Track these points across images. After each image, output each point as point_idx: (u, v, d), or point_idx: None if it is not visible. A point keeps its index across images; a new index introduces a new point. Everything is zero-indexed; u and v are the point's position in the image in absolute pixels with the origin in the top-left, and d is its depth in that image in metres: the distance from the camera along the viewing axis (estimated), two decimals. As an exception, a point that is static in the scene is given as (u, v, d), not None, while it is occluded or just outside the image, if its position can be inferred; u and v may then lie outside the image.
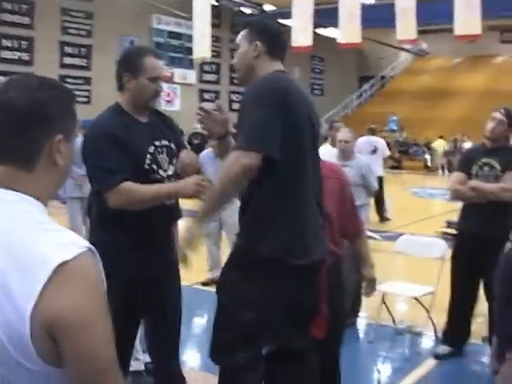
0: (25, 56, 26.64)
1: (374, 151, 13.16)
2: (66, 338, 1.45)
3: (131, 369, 4.75)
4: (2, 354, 1.46)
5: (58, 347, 1.46)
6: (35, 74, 1.70)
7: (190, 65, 30.83)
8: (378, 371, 5.53)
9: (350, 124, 36.03)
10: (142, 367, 4.85)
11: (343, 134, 7.45)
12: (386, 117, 32.72)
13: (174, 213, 3.58)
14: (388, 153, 14.35)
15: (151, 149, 3.34)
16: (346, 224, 3.92)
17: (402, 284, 6.50)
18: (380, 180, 12.94)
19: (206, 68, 33.74)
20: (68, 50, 28.09)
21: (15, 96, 1.57)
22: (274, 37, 3.21)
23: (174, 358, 3.78)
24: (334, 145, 7.66)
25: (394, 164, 28.73)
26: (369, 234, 7.63)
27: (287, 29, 14.96)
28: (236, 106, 34.69)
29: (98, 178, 3.25)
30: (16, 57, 26.32)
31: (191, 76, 32.54)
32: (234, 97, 35.30)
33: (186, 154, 3.50)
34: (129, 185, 3.17)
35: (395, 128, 32.84)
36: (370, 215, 7.97)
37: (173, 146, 3.46)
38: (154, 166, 3.33)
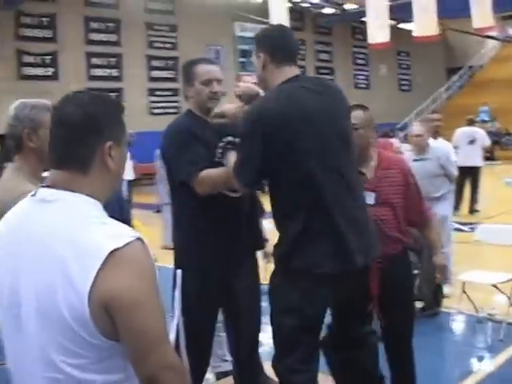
0: (114, 72, 27.57)
1: (473, 141, 13.39)
2: (119, 316, 1.67)
3: (220, 370, 5.00)
4: (69, 331, 1.69)
5: (113, 324, 1.69)
6: (88, 91, 1.96)
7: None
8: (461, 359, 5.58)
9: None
10: (231, 368, 5.04)
11: (416, 128, 7.58)
12: (477, 108, 31.97)
13: (255, 209, 3.79)
14: (489, 142, 14.32)
15: (221, 144, 3.58)
16: (412, 212, 4.02)
17: (483, 272, 6.50)
18: (477, 170, 12.91)
19: (291, 71, 33.99)
20: (155, 63, 28.87)
21: (71, 111, 1.83)
22: (274, 43, 3.19)
23: (254, 351, 3.99)
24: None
25: (487, 155, 28.06)
26: (456, 226, 7.66)
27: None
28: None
29: (182, 170, 3.46)
30: (106, 74, 27.28)
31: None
32: (320, 98, 35.41)
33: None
34: (207, 171, 3.40)
35: (487, 118, 32.07)
36: (453, 203, 7.93)
37: (237, 140, 3.66)
38: (224, 160, 3.56)
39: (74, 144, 1.82)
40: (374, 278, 3.38)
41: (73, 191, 1.80)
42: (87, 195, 1.81)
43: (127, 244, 1.69)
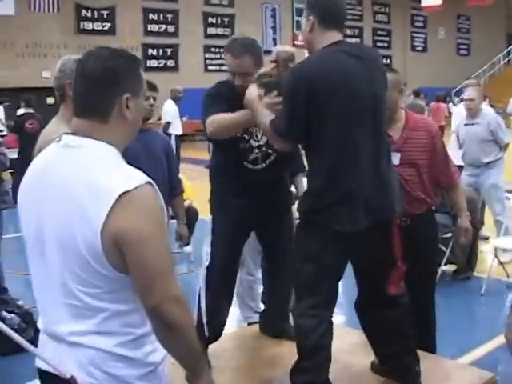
0: (170, 28, 27.76)
1: None
2: (126, 250, 1.87)
3: (251, 320, 5.24)
4: (84, 263, 1.90)
5: (123, 258, 1.89)
6: (109, 47, 2.14)
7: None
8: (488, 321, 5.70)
9: (497, 84, 34.60)
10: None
11: (468, 92, 7.65)
12: (537, 75, 31.34)
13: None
14: None
15: None
16: (438, 174, 4.12)
17: (515, 238, 6.58)
18: None
19: (349, 32, 33.61)
20: (211, 20, 28.95)
21: (91, 65, 2.02)
22: (325, 8, 3.25)
23: (285, 301, 4.18)
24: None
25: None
26: (506, 195, 7.68)
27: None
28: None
29: (203, 114, 3.62)
30: (162, 29, 27.50)
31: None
32: (377, 60, 35.08)
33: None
34: (216, 115, 3.54)
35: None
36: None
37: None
38: (246, 136, 3.72)
39: (95, 95, 2.00)
40: (397, 238, 3.49)
41: (93, 138, 1.99)
42: (106, 142, 1.99)
43: (137, 187, 1.87)
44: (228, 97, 3.64)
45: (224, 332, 4.01)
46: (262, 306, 5.14)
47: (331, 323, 3.29)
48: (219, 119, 3.52)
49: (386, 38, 36.09)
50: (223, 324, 3.99)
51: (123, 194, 1.85)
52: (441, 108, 19.09)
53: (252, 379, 3.68)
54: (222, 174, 3.85)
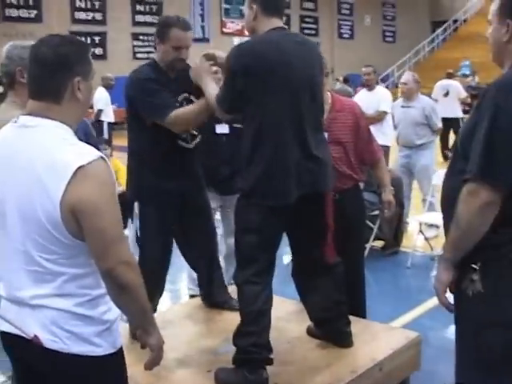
0: (98, 16, 27.51)
1: (447, 94, 13.85)
2: (83, 218, 2.06)
3: (192, 293, 5.46)
4: (45, 232, 2.08)
5: (80, 226, 2.07)
6: (60, 34, 2.32)
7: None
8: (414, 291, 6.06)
9: (422, 70, 35.07)
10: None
11: (404, 76, 8.15)
12: (459, 62, 32.22)
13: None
14: (464, 94, 14.60)
15: (179, 98, 3.92)
16: (362, 152, 4.42)
17: (438, 214, 6.94)
18: (456, 121, 13.30)
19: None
20: (139, 7, 28.78)
21: (44, 51, 2.20)
22: None
23: (213, 270, 4.42)
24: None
25: (466, 108, 28.42)
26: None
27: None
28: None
29: (155, 112, 3.78)
30: (90, 17, 27.23)
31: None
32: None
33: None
34: (178, 110, 3.77)
35: (467, 73, 32.30)
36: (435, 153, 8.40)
37: (192, 98, 3.97)
38: None
39: (48, 79, 2.19)
40: (330, 210, 3.75)
41: (48, 118, 2.17)
42: (60, 121, 2.18)
43: (91, 162, 2.07)
44: (159, 79, 3.84)
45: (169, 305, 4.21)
46: None
47: (271, 290, 3.53)
48: (184, 116, 3.74)
49: (314, 26, 36.50)
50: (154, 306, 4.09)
51: (79, 168, 2.04)
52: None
53: (194, 347, 3.90)
54: (152, 155, 3.93)
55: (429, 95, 10.15)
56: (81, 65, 2.23)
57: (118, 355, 2.29)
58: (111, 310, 2.24)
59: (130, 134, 4.08)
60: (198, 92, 3.83)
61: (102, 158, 2.12)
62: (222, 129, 4.46)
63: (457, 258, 2.53)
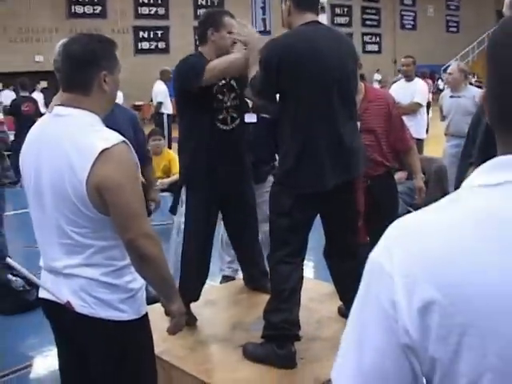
0: (161, 10, 28.02)
1: None
2: (107, 194, 2.30)
3: (224, 273, 5.75)
4: (74, 207, 2.34)
5: (104, 202, 2.32)
6: (90, 33, 2.59)
7: (320, 8, 31.10)
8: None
9: (486, 61, 34.70)
10: (233, 274, 5.76)
11: (451, 67, 8.18)
12: (525, 51, 31.64)
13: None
14: None
15: (220, 83, 4.16)
16: (395, 140, 4.58)
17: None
18: None
19: (338, 11, 33.90)
20: (201, 1, 29.19)
21: (74, 48, 2.48)
22: None
23: (256, 255, 4.65)
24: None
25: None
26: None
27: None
28: (369, 47, 34.69)
29: (194, 73, 3.94)
30: (153, 12, 27.77)
31: (322, 19, 32.84)
32: (367, 38, 35.38)
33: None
34: (211, 62, 3.96)
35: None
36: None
37: (232, 82, 4.22)
38: (220, 96, 4.13)
39: (78, 73, 2.45)
40: (360, 195, 3.92)
41: (78, 108, 2.43)
42: (89, 111, 2.44)
43: (114, 145, 2.32)
44: (204, 64, 4.02)
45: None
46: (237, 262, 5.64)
47: (302, 271, 3.73)
48: (218, 63, 3.93)
49: (376, 17, 36.35)
50: (198, 293, 4.28)
51: (103, 151, 2.29)
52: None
53: (228, 324, 4.14)
54: (194, 139, 4.13)
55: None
56: (107, 60, 2.48)
57: (143, 321, 2.54)
58: (136, 280, 2.49)
59: (180, 123, 4.33)
60: (239, 78, 4.08)
61: (124, 141, 2.37)
62: (251, 118, 4.66)
63: None
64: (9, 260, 2.61)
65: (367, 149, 4.31)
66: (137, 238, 2.33)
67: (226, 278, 5.68)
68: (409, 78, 8.99)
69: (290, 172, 3.56)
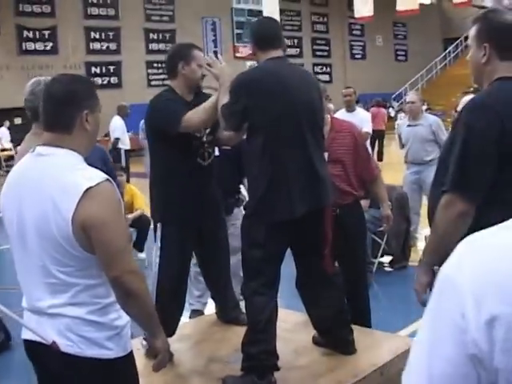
0: (113, 46, 28.07)
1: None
2: (92, 232, 2.31)
3: (194, 307, 5.75)
4: (59, 247, 2.33)
5: (90, 240, 2.32)
6: (69, 74, 2.62)
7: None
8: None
9: (435, 87, 35.08)
10: (202, 308, 5.80)
11: (410, 96, 8.46)
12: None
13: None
14: None
15: None
16: (361, 169, 4.67)
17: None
18: None
19: (288, 42, 34.31)
20: (153, 36, 29.34)
21: (56, 88, 2.51)
22: (257, 35, 3.84)
23: (228, 289, 4.65)
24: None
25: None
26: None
27: None
28: (320, 77, 35.14)
29: (171, 120, 3.98)
30: (104, 47, 27.79)
31: (273, 52, 33.27)
32: (317, 69, 35.87)
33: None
34: (189, 112, 3.96)
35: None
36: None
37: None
38: (197, 134, 4.15)
39: (60, 112, 2.47)
40: (328, 224, 3.97)
41: (61, 147, 2.44)
42: (71, 150, 2.45)
43: (98, 183, 2.33)
44: (176, 101, 4.09)
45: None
46: (206, 296, 5.65)
47: (276, 301, 3.76)
48: (196, 115, 3.94)
49: (326, 47, 36.97)
50: (174, 328, 4.24)
51: (88, 189, 2.30)
52: (381, 113, 19.80)
53: (206, 358, 4.12)
54: (172, 174, 4.14)
55: (443, 112, 10.39)
56: (88, 99, 2.51)
57: (129, 358, 2.53)
58: (121, 317, 2.48)
59: (152, 158, 4.34)
60: None
61: (107, 179, 2.38)
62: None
63: (434, 262, 2.75)
64: (-7, 302, 2.56)
65: (335, 179, 4.38)
66: (122, 274, 2.33)
67: (196, 312, 5.69)
68: (351, 109, 9.15)
69: (261, 201, 3.62)
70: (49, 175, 2.38)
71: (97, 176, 2.37)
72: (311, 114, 3.73)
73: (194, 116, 3.95)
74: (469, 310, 1.04)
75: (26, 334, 2.53)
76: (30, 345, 2.53)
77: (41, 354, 2.49)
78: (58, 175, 2.37)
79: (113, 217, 2.37)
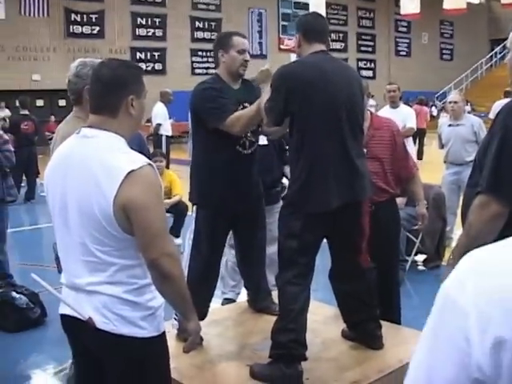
0: (158, 32, 28.25)
1: None
2: (132, 214, 2.38)
3: (226, 296, 5.85)
4: (99, 226, 2.41)
5: (129, 222, 2.40)
6: (119, 59, 2.69)
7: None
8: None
9: (480, 88, 34.59)
10: (235, 298, 5.87)
11: (452, 96, 8.39)
12: (518, 79, 31.94)
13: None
14: None
15: (239, 108, 4.24)
16: (399, 167, 4.68)
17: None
18: None
19: (333, 36, 34.19)
20: (198, 24, 29.46)
21: (104, 72, 2.58)
22: (306, 27, 3.88)
23: (261, 277, 4.73)
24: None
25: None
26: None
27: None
28: (364, 72, 34.97)
29: (212, 117, 4.12)
30: (150, 33, 27.98)
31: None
32: (361, 64, 35.69)
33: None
34: (233, 115, 4.06)
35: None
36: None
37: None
38: None
39: (107, 96, 2.54)
40: (366, 218, 4.01)
41: (105, 130, 2.52)
42: (115, 133, 2.52)
43: (140, 167, 2.40)
44: (221, 89, 4.18)
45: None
46: (240, 286, 5.72)
47: (309, 292, 3.80)
48: (239, 119, 4.03)
49: (371, 43, 36.75)
50: (204, 311, 4.30)
51: (130, 172, 2.37)
52: (423, 111, 19.66)
53: (235, 344, 4.20)
54: (213, 161, 4.22)
55: (486, 114, 10.25)
56: (135, 85, 2.58)
57: (161, 338, 2.60)
58: (156, 298, 2.55)
59: (194, 142, 4.43)
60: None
61: (149, 164, 2.45)
62: (263, 140, 4.76)
63: None
64: (34, 276, 2.65)
65: (372, 176, 4.39)
66: (159, 257, 2.40)
67: (228, 301, 5.76)
68: (395, 105, 9.09)
69: (299, 193, 3.66)
70: (93, 157, 2.46)
71: (139, 160, 2.44)
72: (351, 109, 3.75)
73: (238, 123, 4.03)
74: (473, 333, 0.99)
75: (64, 309, 2.62)
76: (66, 320, 2.61)
77: (77, 329, 2.57)
78: (102, 157, 2.45)
79: (153, 200, 2.43)
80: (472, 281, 1.03)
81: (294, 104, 3.63)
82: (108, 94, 2.53)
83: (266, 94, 3.88)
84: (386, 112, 9.15)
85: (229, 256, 5.63)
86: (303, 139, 3.64)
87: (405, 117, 8.80)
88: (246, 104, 4.20)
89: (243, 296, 5.51)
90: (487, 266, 1.05)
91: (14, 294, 5.81)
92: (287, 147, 4.86)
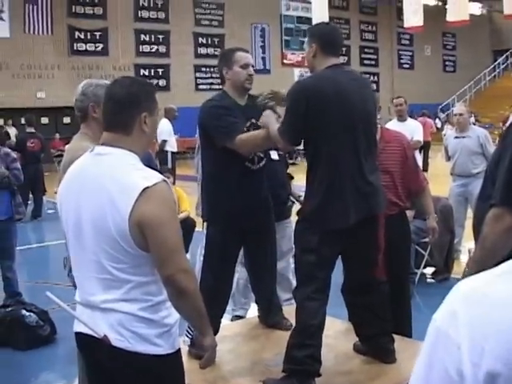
0: (162, 49, 28.36)
1: None
2: (148, 231, 2.38)
3: (236, 313, 5.85)
4: (115, 243, 2.42)
5: (145, 238, 2.40)
6: (131, 76, 2.69)
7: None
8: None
9: (483, 99, 34.66)
10: (244, 314, 5.87)
11: (457, 108, 8.38)
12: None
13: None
14: None
15: (247, 124, 4.25)
16: (409, 181, 4.69)
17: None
18: None
19: (336, 50, 34.24)
20: (202, 40, 29.57)
21: (118, 90, 2.60)
22: (324, 38, 3.84)
23: (273, 292, 4.71)
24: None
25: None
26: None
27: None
28: (366, 86, 35.00)
29: (221, 136, 4.11)
30: (154, 50, 28.09)
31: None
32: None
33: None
34: (245, 134, 4.07)
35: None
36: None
37: (260, 123, 4.24)
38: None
39: (120, 114, 2.56)
40: (381, 232, 4.01)
41: (119, 147, 2.52)
42: (129, 150, 2.53)
43: (155, 184, 2.41)
44: (228, 106, 4.19)
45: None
46: (250, 303, 5.73)
47: (326, 307, 3.80)
48: (248, 141, 4.02)
49: (374, 56, 36.82)
50: (216, 326, 4.19)
51: (145, 189, 2.38)
52: (427, 123, 19.66)
53: (248, 360, 4.18)
54: (222, 177, 4.22)
55: (491, 125, 10.28)
56: (147, 102, 2.60)
57: (177, 355, 2.60)
58: (171, 315, 2.55)
59: (204, 160, 4.44)
60: None
61: (164, 180, 2.46)
62: (274, 155, 4.77)
63: None
64: (48, 294, 2.64)
65: (383, 189, 4.41)
66: (175, 273, 2.40)
67: (238, 318, 5.76)
68: (402, 118, 9.02)
69: (317, 208, 3.66)
70: (107, 174, 2.47)
71: (154, 176, 2.45)
72: (367, 124, 3.77)
73: (246, 147, 4.05)
74: (466, 366, 0.97)
75: (79, 327, 2.61)
76: (81, 337, 2.61)
77: (91, 346, 2.57)
78: (116, 174, 2.46)
79: (168, 216, 2.44)
80: (463, 312, 1.02)
81: (313, 120, 3.63)
82: (121, 112, 2.55)
83: (267, 117, 3.90)
84: (393, 125, 9.14)
85: (240, 274, 5.62)
86: (320, 155, 3.65)
87: (412, 130, 8.79)
88: (253, 120, 4.21)
89: (253, 312, 5.50)
90: (478, 296, 1.02)
91: (23, 311, 5.81)
92: (290, 161, 4.86)
